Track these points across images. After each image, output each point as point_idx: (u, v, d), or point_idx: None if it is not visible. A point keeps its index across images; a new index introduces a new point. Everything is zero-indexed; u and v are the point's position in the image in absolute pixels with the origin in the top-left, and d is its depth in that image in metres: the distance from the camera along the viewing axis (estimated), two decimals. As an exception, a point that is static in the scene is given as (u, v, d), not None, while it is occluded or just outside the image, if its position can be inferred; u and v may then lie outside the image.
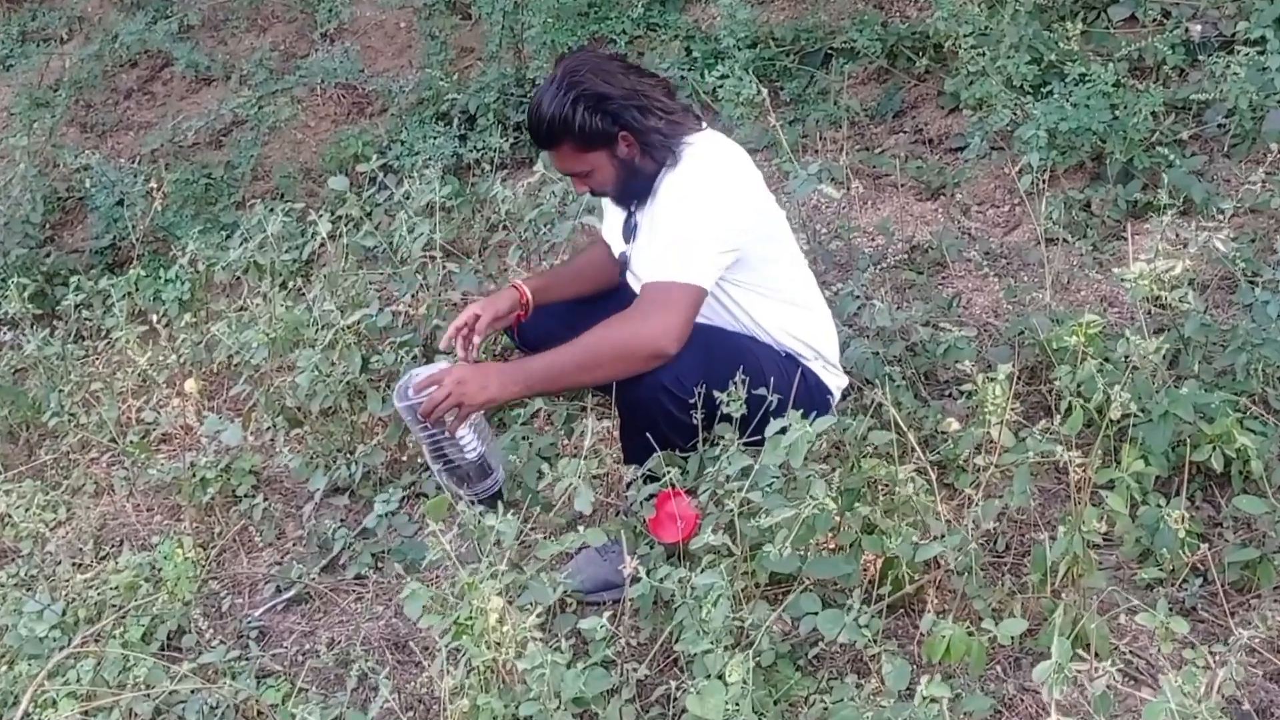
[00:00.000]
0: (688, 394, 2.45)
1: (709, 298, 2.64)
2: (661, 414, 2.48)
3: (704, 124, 2.63)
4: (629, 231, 2.75)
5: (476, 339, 2.75)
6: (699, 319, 2.69)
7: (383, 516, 2.93)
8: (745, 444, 2.39)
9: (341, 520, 3.10)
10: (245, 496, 3.17)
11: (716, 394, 2.42)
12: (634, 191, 2.64)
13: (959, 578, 2.34)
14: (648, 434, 2.45)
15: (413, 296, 3.69)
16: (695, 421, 2.46)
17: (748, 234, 2.55)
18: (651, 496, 2.42)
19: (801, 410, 2.28)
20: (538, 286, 2.88)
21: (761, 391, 2.42)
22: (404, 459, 3.24)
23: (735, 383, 2.40)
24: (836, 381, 2.79)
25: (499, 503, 2.50)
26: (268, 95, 5.48)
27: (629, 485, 2.52)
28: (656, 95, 2.55)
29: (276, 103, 5.41)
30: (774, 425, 2.25)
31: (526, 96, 5.05)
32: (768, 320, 2.69)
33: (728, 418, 2.43)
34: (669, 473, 2.38)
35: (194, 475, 3.16)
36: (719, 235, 2.50)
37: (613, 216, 2.83)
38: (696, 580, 2.14)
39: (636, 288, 2.79)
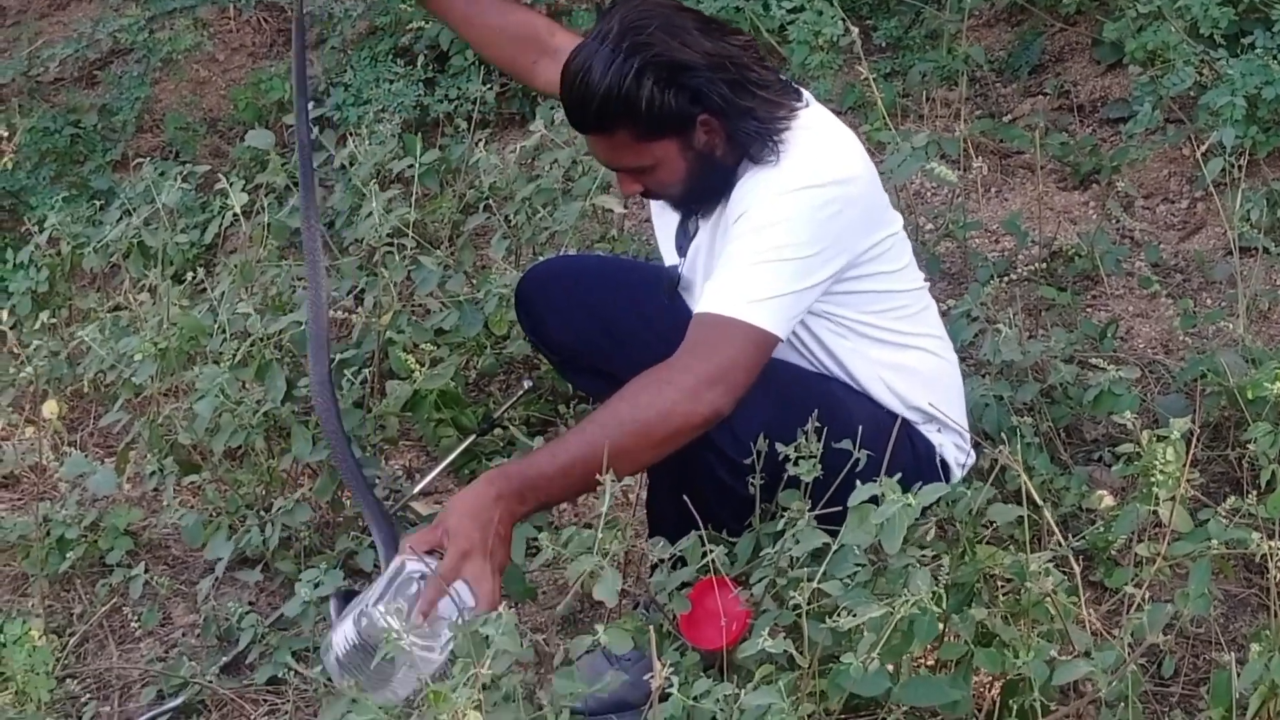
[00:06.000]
0: (741, 450, 2.48)
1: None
2: (707, 481, 2.52)
3: (805, 97, 2.64)
4: (686, 239, 2.79)
5: None
6: None
7: (309, 603, 2.96)
8: (818, 519, 2.42)
9: (251, 603, 3.12)
10: (118, 566, 3.20)
11: (781, 449, 2.45)
12: (705, 193, 2.66)
13: (1110, 711, 2.36)
14: (689, 498, 2.48)
15: (356, 298, 3.74)
16: (752, 491, 2.50)
17: (847, 257, 2.57)
18: (686, 586, 2.45)
19: (900, 476, 2.30)
20: None
21: (846, 445, 2.45)
22: (339, 520, 3.28)
23: (806, 431, 2.43)
24: (957, 455, 2.81)
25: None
26: (161, 16, 5.55)
27: (654, 568, 2.55)
28: (748, 63, 2.55)
29: (173, 26, 5.48)
30: (861, 491, 2.28)
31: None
32: (863, 369, 2.72)
33: (795, 483, 2.46)
34: (710, 553, 2.41)
35: (47, 534, 3.20)
36: (810, 265, 2.50)
37: (663, 216, 2.87)
38: (746, 700, 2.17)
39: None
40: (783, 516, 2.45)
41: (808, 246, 2.50)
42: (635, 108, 2.50)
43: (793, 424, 2.45)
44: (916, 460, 2.66)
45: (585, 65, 2.51)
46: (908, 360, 2.74)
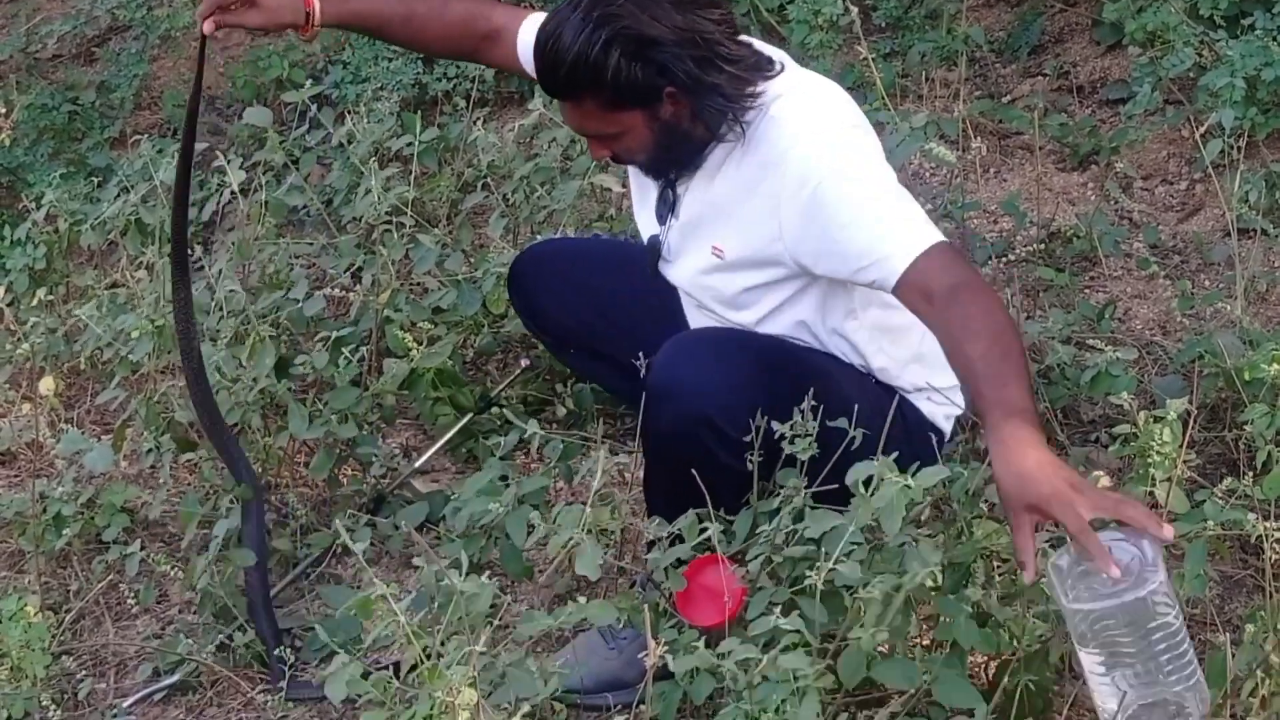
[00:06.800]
0: (739, 428, 2.48)
1: (768, 310, 2.69)
2: (700, 455, 2.51)
3: (778, 64, 2.65)
4: (665, 209, 2.79)
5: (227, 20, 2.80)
6: (743, 326, 2.74)
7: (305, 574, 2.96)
8: (815, 495, 2.42)
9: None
10: (115, 543, 3.20)
11: (777, 426, 2.45)
12: (673, 162, 2.69)
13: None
14: (686, 477, 2.48)
15: (354, 276, 3.74)
16: (749, 467, 2.50)
17: None
18: (682, 563, 2.45)
19: (897, 454, 2.31)
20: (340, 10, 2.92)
21: (841, 422, 2.45)
22: (335, 499, 3.28)
23: (803, 410, 2.43)
24: (946, 410, 2.82)
25: None
26: (160, -8, 5.54)
27: (650, 546, 2.55)
28: (719, 38, 2.56)
29: (172, 3, 5.46)
30: (859, 469, 2.28)
31: (519, 4, 5.10)
32: (859, 336, 2.73)
33: (792, 460, 2.46)
34: (707, 529, 2.41)
35: (44, 511, 3.19)
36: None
37: (642, 185, 2.87)
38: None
39: (675, 279, 2.83)
40: (779, 494, 2.46)
41: (884, 166, 2.57)
42: (601, 78, 2.51)
43: (784, 397, 2.46)
44: (908, 432, 2.67)
45: (556, 32, 2.53)
46: (908, 329, 2.73)
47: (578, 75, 2.53)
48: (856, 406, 2.46)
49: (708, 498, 2.47)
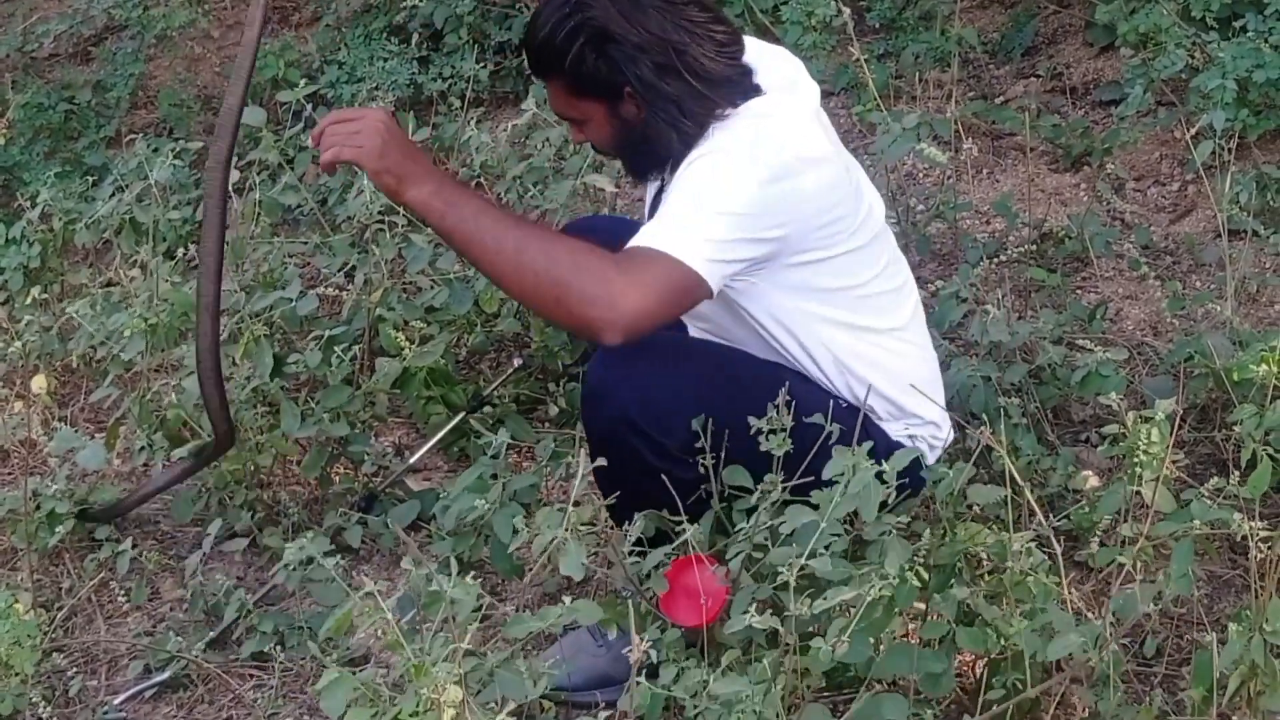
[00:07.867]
0: (667, 433, 2.49)
1: (731, 311, 2.65)
2: (628, 457, 2.52)
3: (765, 92, 2.60)
4: (654, 210, 2.79)
5: None
6: (715, 337, 2.73)
7: (294, 567, 2.95)
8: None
9: (239, 578, 3.13)
10: (107, 540, 3.21)
11: (753, 421, 2.43)
12: (641, 161, 2.70)
13: (1090, 691, 2.36)
14: (623, 479, 2.50)
15: (347, 275, 3.74)
16: (684, 474, 2.50)
17: (792, 225, 2.51)
18: (662, 565, 2.45)
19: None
20: None
21: (817, 419, 2.45)
22: (327, 497, 3.28)
23: (778, 406, 2.42)
24: (931, 443, 2.79)
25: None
26: (156, -9, 5.55)
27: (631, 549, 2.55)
28: (696, 53, 2.53)
29: (168, 3, 5.48)
30: (834, 464, 2.29)
31: (514, 7, 5.11)
32: (833, 349, 2.69)
33: (756, 463, 2.46)
34: (683, 531, 2.41)
35: (37, 508, 3.20)
36: (741, 217, 2.45)
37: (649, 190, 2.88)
38: (716, 687, 2.16)
39: None
40: (739, 497, 2.46)
41: (753, 197, 2.46)
42: (562, 62, 2.56)
43: (732, 410, 2.47)
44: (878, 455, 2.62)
45: (540, 9, 2.59)
46: (881, 349, 2.71)
47: (545, 55, 2.58)
48: (811, 418, 2.46)
49: (653, 506, 2.50)
